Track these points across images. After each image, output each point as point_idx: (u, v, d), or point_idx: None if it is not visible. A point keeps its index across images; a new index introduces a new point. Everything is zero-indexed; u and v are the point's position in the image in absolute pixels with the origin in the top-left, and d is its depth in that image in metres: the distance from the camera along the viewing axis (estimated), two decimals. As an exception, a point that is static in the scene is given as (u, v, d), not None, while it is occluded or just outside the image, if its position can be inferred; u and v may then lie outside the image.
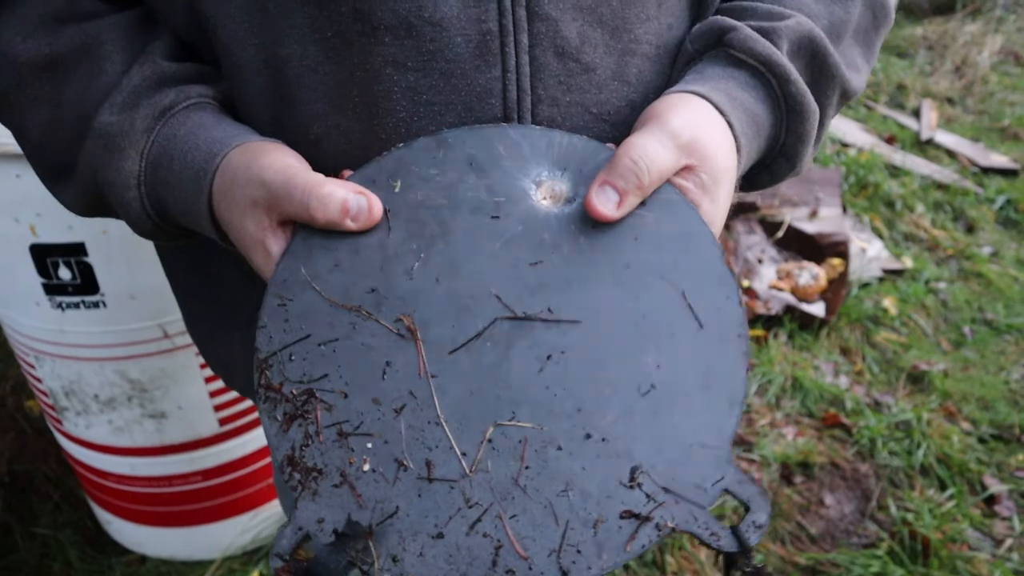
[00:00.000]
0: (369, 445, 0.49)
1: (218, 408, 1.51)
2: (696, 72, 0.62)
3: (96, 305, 1.33)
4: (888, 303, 2.74)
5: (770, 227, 2.86)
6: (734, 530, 0.48)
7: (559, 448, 0.49)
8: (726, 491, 0.49)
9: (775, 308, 2.56)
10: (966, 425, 2.26)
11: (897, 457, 2.10)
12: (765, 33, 0.62)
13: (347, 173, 0.57)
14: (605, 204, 0.52)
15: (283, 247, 0.55)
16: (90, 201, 0.64)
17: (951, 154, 3.93)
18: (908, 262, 3.01)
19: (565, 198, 0.55)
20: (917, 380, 2.43)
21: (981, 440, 2.21)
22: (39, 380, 1.51)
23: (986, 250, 3.22)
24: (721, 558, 0.49)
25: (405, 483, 0.49)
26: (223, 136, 0.59)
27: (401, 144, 0.56)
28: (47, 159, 0.65)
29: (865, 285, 2.83)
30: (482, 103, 0.58)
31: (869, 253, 2.99)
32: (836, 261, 2.70)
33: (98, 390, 1.45)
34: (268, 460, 1.63)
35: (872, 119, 4.19)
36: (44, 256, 1.28)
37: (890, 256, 3.03)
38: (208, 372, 1.46)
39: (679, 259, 0.53)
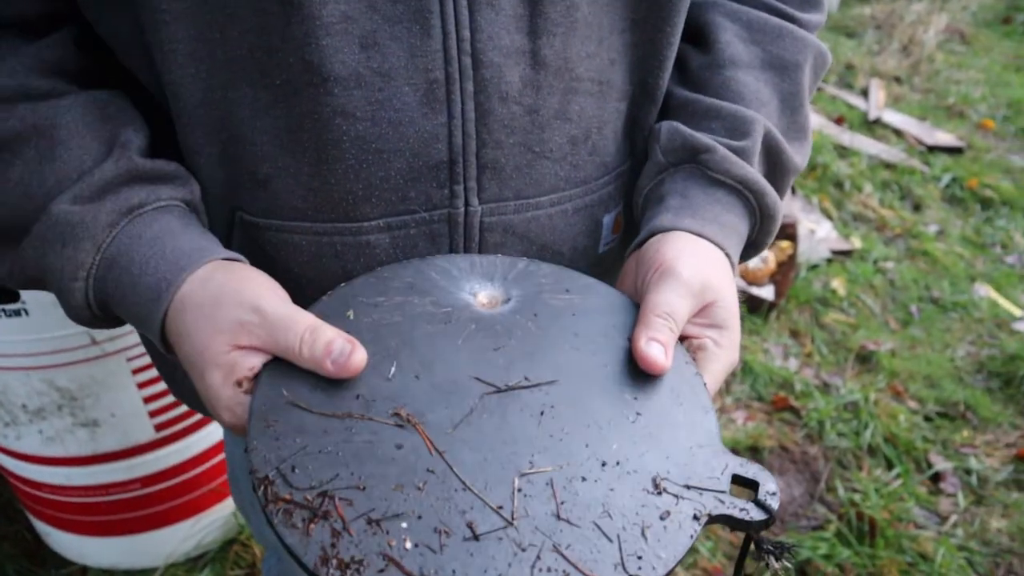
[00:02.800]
0: (404, 525, 0.49)
1: (153, 414, 1.47)
2: (680, 196, 0.67)
3: (18, 313, 1.28)
4: (837, 284, 2.77)
5: (720, 211, 2.86)
6: (756, 503, 0.53)
7: (583, 479, 0.53)
8: (735, 475, 0.54)
9: (725, 292, 2.56)
10: (913, 404, 2.29)
11: (845, 438, 2.12)
12: (739, 153, 0.67)
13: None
14: (658, 355, 0.57)
15: (247, 370, 0.55)
16: (24, 277, 0.62)
17: (898, 133, 3.98)
18: (857, 242, 3.05)
19: (501, 300, 0.62)
20: (865, 360, 2.47)
21: (927, 418, 2.25)
22: (-36, 391, 1.45)
23: (932, 228, 3.27)
24: (743, 549, 0.56)
25: (453, 548, 0.49)
26: (191, 248, 0.58)
27: (342, 284, 0.60)
28: None
29: (814, 267, 2.85)
30: (429, 149, 0.60)
31: (818, 234, 3.01)
32: (785, 243, 2.71)
33: (26, 400, 1.41)
34: (208, 465, 1.60)
35: (821, 99, 4.23)
36: (-42, 265, 1.23)
37: (839, 237, 3.06)
38: (141, 378, 1.43)
39: (611, 319, 0.62)
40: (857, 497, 1.93)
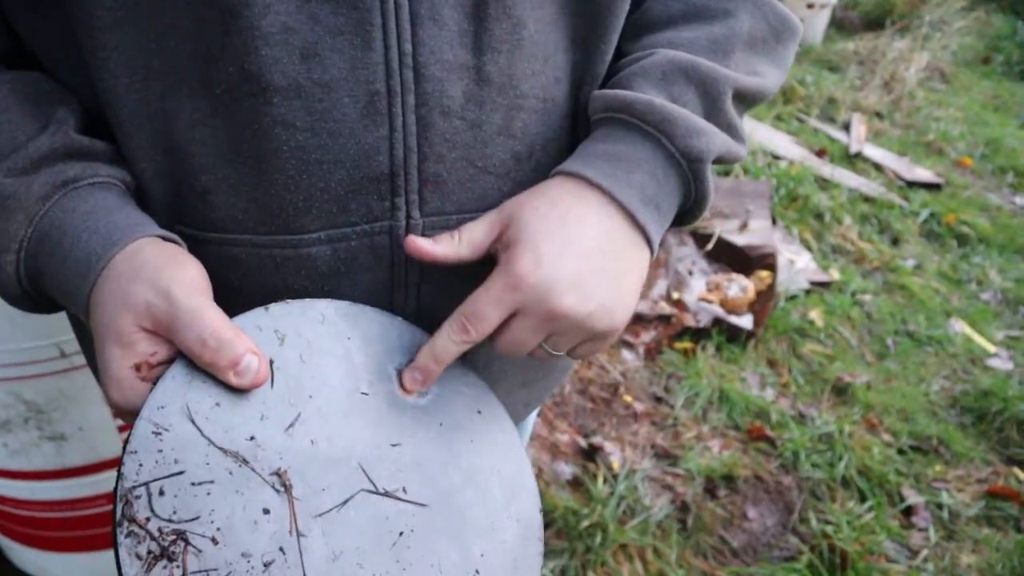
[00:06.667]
0: None
1: (123, 429, 1.45)
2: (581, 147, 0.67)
3: (-15, 324, 1.26)
4: (815, 315, 2.79)
5: (701, 239, 2.88)
6: None
7: None
8: None
9: (704, 320, 2.58)
10: (887, 437, 2.30)
11: (819, 469, 2.13)
12: (617, 82, 0.65)
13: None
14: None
15: (147, 355, 0.53)
16: None
17: (878, 168, 4.03)
18: (835, 274, 3.07)
19: (419, 392, 0.63)
20: (841, 392, 2.48)
21: (901, 452, 2.26)
22: (-72, 401, 1.43)
23: (910, 263, 3.30)
24: None
25: None
26: (125, 224, 0.57)
27: (290, 300, 0.60)
28: None
29: (792, 297, 2.87)
30: (370, 161, 0.60)
31: (797, 265, 3.04)
32: (764, 273, 2.73)
33: (-9, 412, 1.38)
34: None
35: (804, 132, 4.28)
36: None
37: (818, 268, 3.08)
38: (111, 392, 1.41)
39: (503, 465, 0.64)
40: (830, 529, 1.93)
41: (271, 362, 0.56)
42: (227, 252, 0.63)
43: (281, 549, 0.51)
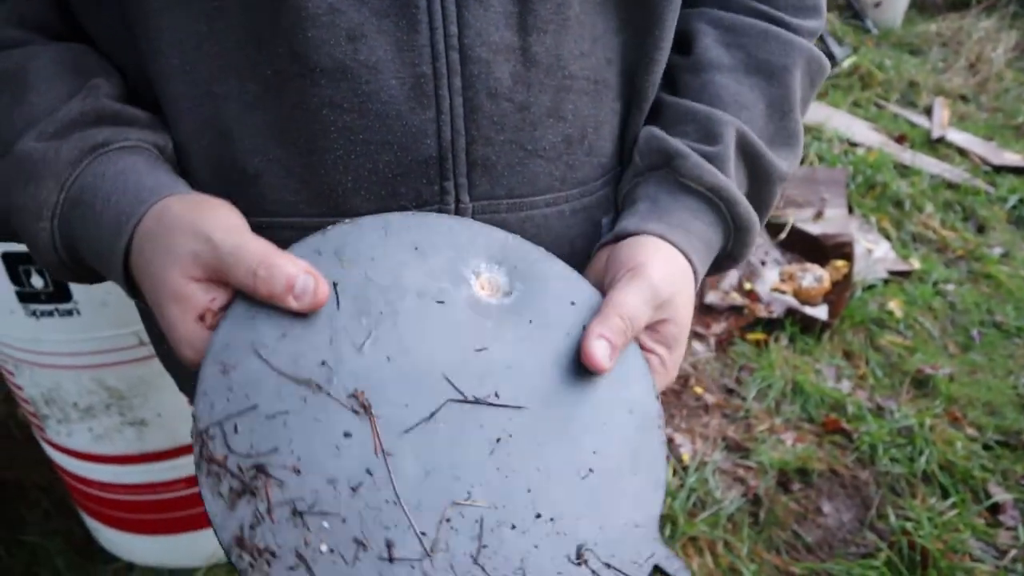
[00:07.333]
0: (325, 524, 0.47)
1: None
2: (650, 201, 0.66)
3: (70, 313, 1.32)
4: (894, 305, 2.69)
5: (774, 229, 2.81)
6: None
7: (513, 527, 0.51)
8: (656, 567, 0.53)
9: (777, 311, 2.51)
10: (971, 431, 2.21)
11: (898, 464, 2.05)
12: (711, 159, 0.65)
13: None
14: (602, 355, 0.56)
15: (207, 303, 0.53)
16: None
17: (963, 153, 3.86)
18: (916, 264, 2.96)
19: (503, 291, 0.58)
20: (922, 385, 2.39)
21: (986, 447, 2.16)
22: (20, 388, 1.50)
23: (997, 251, 3.16)
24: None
25: (365, 564, 0.47)
26: (155, 184, 0.57)
27: (347, 220, 0.56)
28: None
29: (870, 287, 2.78)
30: (417, 144, 0.59)
31: (875, 254, 2.94)
32: (840, 263, 2.65)
33: (76, 398, 1.44)
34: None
35: (882, 118, 4.13)
36: (16, 264, 1.27)
37: (897, 258, 2.98)
38: (188, 380, 1.45)
39: None
40: (909, 525, 1.86)
41: (334, 285, 0.53)
42: (278, 236, 0.62)
43: (368, 471, 0.49)
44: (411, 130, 0.59)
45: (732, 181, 0.66)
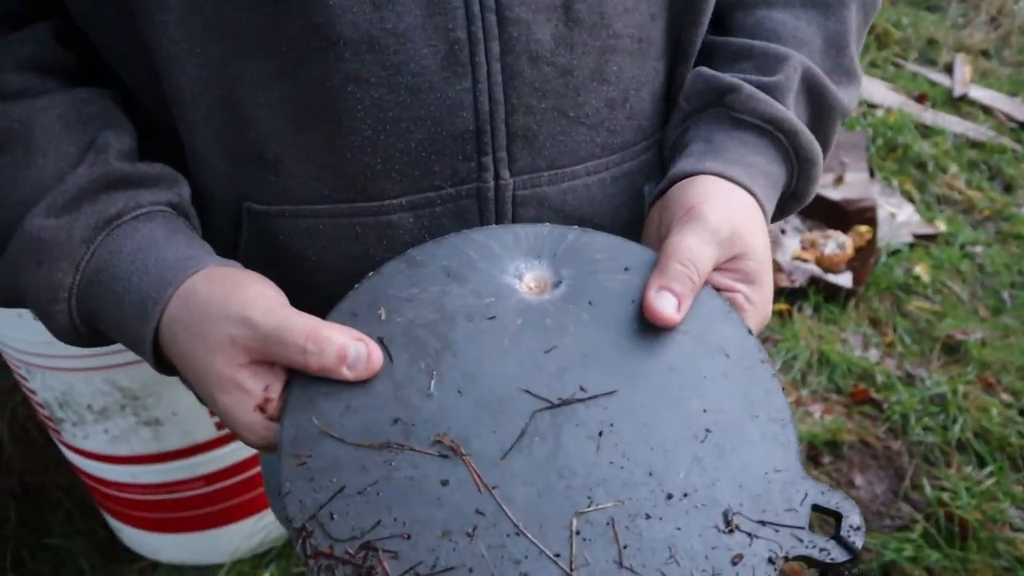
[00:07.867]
0: None
1: (213, 413, 1.48)
2: (703, 141, 0.62)
3: (78, 314, 1.30)
4: (920, 270, 2.63)
5: (793, 196, 2.75)
6: (838, 540, 0.48)
7: (647, 517, 0.48)
8: (814, 505, 0.49)
9: (799, 280, 2.46)
10: (1006, 397, 2.15)
11: (932, 433, 2.00)
12: (768, 90, 0.61)
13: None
14: (667, 308, 0.52)
15: (262, 393, 0.51)
16: (3, 297, 0.59)
17: (986, 110, 3.76)
18: (941, 226, 2.89)
19: (551, 284, 0.56)
20: (952, 350, 2.33)
21: (1022, 412, 2.10)
22: (34, 392, 1.49)
23: (1025, 209, 3.08)
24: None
25: None
26: (175, 259, 0.54)
27: (371, 273, 0.55)
28: None
29: (895, 252, 2.71)
30: (453, 117, 0.55)
31: (899, 218, 2.86)
32: (863, 228, 2.59)
33: (90, 400, 1.43)
34: (269, 463, 1.61)
35: (901, 77, 4.03)
36: (19, 267, 1.25)
37: (922, 220, 2.90)
38: (201, 377, 1.43)
39: None
40: (946, 496, 1.81)
41: (380, 340, 0.52)
42: (303, 224, 0.59)
43: (478, 511, 0.47)
44: (446, 102, 0.55)
45: (791, 112, 0.62)
